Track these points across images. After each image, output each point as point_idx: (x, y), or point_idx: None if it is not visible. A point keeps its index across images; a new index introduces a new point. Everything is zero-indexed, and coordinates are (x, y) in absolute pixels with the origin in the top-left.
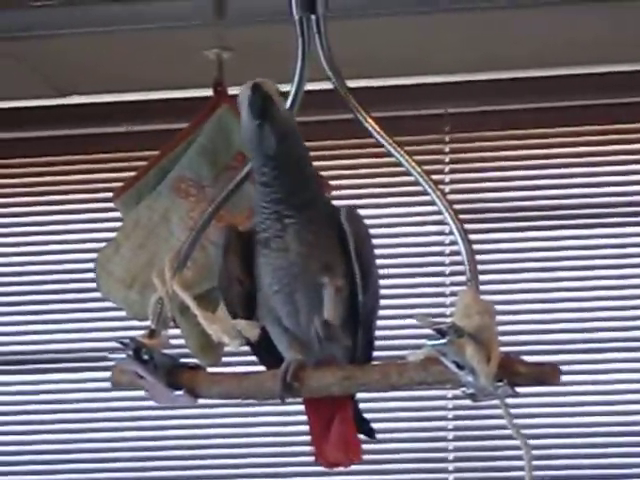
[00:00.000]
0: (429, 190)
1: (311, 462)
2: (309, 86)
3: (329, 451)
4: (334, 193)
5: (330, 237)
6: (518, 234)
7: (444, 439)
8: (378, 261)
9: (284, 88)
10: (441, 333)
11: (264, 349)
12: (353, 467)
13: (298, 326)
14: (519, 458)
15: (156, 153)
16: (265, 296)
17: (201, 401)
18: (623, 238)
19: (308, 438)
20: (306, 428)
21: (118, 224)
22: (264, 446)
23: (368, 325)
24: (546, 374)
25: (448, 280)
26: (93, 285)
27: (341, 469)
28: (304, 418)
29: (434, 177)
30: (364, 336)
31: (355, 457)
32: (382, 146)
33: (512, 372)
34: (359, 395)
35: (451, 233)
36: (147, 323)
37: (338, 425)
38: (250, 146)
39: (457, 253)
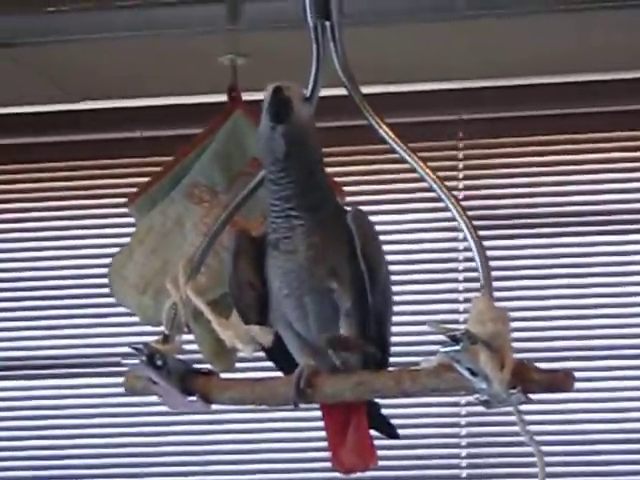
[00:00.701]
0: (443, 196)
1: (326, 468)
2: (324, 92)
3: (345, 456)
4: (348, 199)
5: (338, 240)
6: (532, 240)
7: (457, 445)
8: (392, 267)
9: None
10: (455, 340)
11: (279, 354)
12: (366, 473)
13: (308, 331)
14: (532, 465)
15: (170, 159)
16: (276, 300)
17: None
18: (633, 245)
19: (322, 444)
20: (320, 434)
21: (132, 230)
22: (278, 452)
23: (380, 328)
24: (560, 381)
25: (462, 286)
26: (107, 290)
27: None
28: (317, 424)
29: (448, 183)
30: (376, 340)
31: (371, 462)
32: (396, 152)
33: (526, 379)
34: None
35: (465, 239)
36: (161, 329)
37: (353, 431)
38: (261, 145)
39: (471, 259)
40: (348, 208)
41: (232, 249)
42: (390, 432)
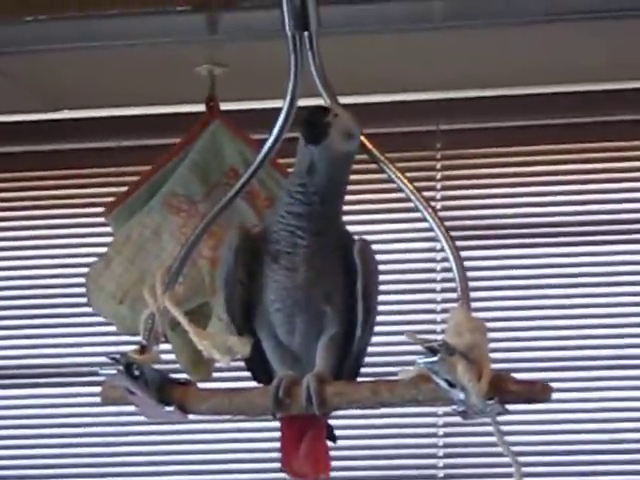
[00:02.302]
0: (420, 207)
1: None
2: (301, 102)
3: (297, 463)
4: None
5: (338, 266)
6: (509, 251)
7: (434, 456)
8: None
9: (276, 104)
10: (432, 351)
11: (257, 364)
12: None
13: (292, 342)
14: (509, 476)
15: (148, 168)
16: (265, 309)
17: (191, 416)
18: (613, 256)
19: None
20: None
21: (109, 239)
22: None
23: (359, 356)
24: (537, 392)
25: (439, 297)
26: (83, 300)
27: None
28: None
29: (425, 194)
30: (355, 361)
31: (323, 473)
32: (374, 162)
33: (503, 390)
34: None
35: (442, 250)
36: (138, 338)
37: (310, 440)
38: (300, 158)
39: (448, 270)
40: (355, 238)
41: (233, 245)
42: (330, 436)
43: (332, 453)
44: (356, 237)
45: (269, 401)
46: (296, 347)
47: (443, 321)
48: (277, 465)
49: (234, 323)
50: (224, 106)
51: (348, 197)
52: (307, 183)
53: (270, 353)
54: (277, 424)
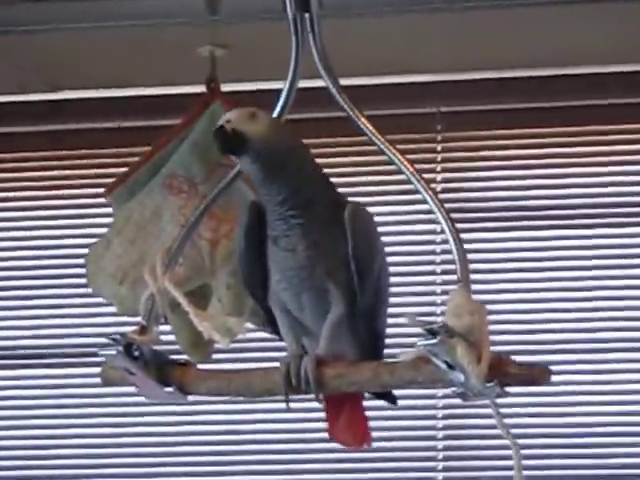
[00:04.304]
0: (420, 189)
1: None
2: (302, 83)
3: (339, 432)
4: None
5: (336, 237)
6: (509, 234)
7: (434, 438)
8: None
9: (277, 85)
10: (432, 333)
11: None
12: (343, 465)
13: (304, 318)
14: (509, 458)
15: (148, 149)
16: (275, 287)
17: (192, 397)
18: (612, 239)
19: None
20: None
21: (109, 220)
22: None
23: (372, 325)
24: (536, 375)
25: (439, 279)
26: (83, 280)
27: (329, 467)
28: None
29: (425, 176)
30: (368, 333)
31: (364, 442)
32: (374, 144)
33: (502, 372)
34: None
35: (442, 232)
36: (138, 319)
37: (348, 412)
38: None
39: (448, 252)
40: (348, 199)
41: (244, 222)
42: (388, 398)
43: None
44: (351, 202)
45: (278, 387)
46: (308, 322)
47: (443, 303)
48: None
49: (253, 298)
50: (225, 87)
51: (349, 180)
52: (269, 182)
53: (282, 325)
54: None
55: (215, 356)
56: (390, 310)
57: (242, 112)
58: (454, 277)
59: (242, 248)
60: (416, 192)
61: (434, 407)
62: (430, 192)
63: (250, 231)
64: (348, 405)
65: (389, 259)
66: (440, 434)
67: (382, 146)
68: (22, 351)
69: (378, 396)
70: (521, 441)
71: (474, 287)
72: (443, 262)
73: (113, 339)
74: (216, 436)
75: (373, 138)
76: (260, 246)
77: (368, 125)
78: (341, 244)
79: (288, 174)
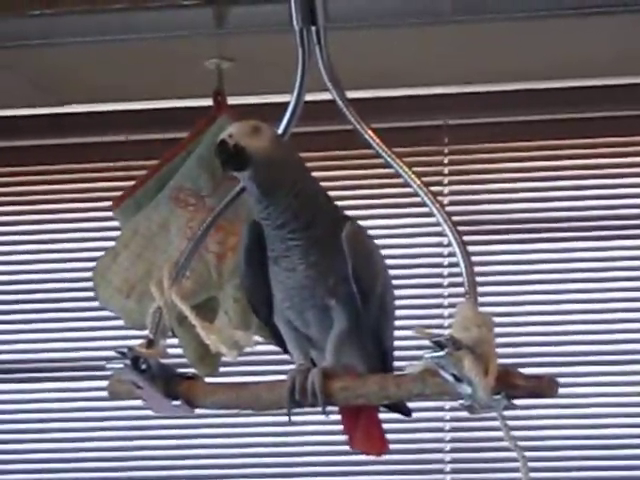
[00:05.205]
0: (428, 202)
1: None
2: (309, 96)
3: (358, 442)
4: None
5: (336, 256)
6: (516, 246)
7: (441, 450)
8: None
9: (284, 99)
10: (439, 345)
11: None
12: (351, 477)
13: (310, 332)
14: (516, 470)
15: (155, 163)
16: (279, 306)
17: (199, 411)
18: (620, 251)
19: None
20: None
21: (116, 233)
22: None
23: (379, 341)
24: (543, 387)
25: (446, 292)
26: (91, 294)
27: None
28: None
29: (433, 189)
30: (375, 347)
31: (382, 450)
32: (381, 157)
33: (510, 385)
34: None
35: (449, 245)
36: (145, 332)
37: (364, 422)
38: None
39: (455, 265)
40: (347, 214)
41: (244, 243)
42: (402, 410)
43: (339, 447)
44: (348, 221)
45: (284, 400)
46: (315, 337)
47: (450, 316)
48: None
49: (257, 316)
50: (231, 100)
51: (356, 193)
52: (267, 201)
53: (288, 340)
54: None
55: (222, 369)
56: (397, 323)
57: (244, 126)
58: (461, 290)
59: (244, 268)
60: (423, 205)
61: (442, 419)
62: (437, 205)
63: (251, 252)
64: (364, 415)
65: (396, 272)
66: (448, 446)
67: (389, 159)
68: (29, 365)
69: (392, 409)
70: (528, 453)
71: (481, 299)
72: (450, 275)
73: (120, 352)
74: (222, 449)
75: (380, 151)
76: (262, 264)
77: (375, 138)
78: (341, 263)
79: (286, 196)
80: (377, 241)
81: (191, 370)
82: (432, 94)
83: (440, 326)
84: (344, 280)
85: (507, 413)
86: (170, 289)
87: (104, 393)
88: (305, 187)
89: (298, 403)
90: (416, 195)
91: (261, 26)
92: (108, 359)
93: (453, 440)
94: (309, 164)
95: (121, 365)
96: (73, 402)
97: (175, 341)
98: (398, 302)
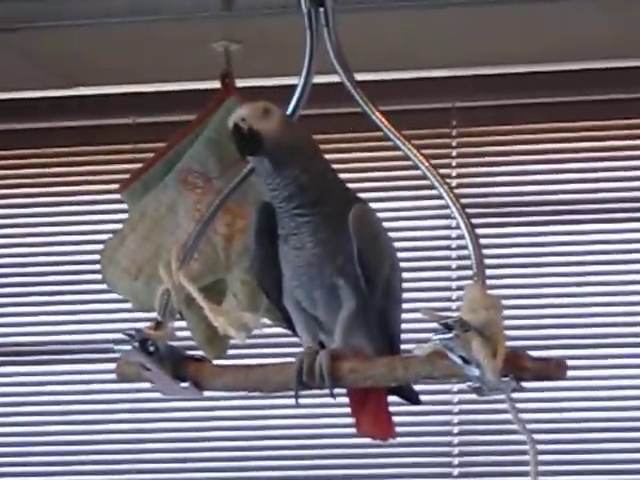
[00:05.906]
0: (436, 184)
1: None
2: (317, 79)
3: (365, 427)
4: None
5: (345, 236)
6: (525, 228)
7: (449, 433)
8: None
9: (292, 81)
10: (447, 327)
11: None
12: (357, 460)
13: (318, 313)
14: (524, 453)
15: (163, 145)
16: (288, 286)
17: (208, 393)
18: (630, 233)
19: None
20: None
21: (124, 216)
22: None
23: (383, 320)
24: (552, 369)
25: (454, 274)
26: (98, 276)
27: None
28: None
29: (441, 171)
30: (382, 330)
31: (388, 435)
32: (390, 140)
33: (518, 367)
34: None
35: (458, 227)
36: (153, 314)
37: (372, 406)
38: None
39: (464, 247)
40: (358, 196)
41: (255, 223)
42: (411, 398)
43: (346, 430)
44: (358, 203)
45: (291, 381)
46: (323, 318)
47: (458, 298)
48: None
49: (267, 297)
50: (240, 82)
51: (364, 175)
52: (277, 178)
53: (298, 324)
54: None
55: (230, 352)
56: (405, 305)
57: (255, 108)
58: (469, 272)
59: (254, 249)
60: (432, 187)
61: (450, 402)
62: (446, 187)
63: (261, 232)
64: (372, 400)
65: (405, 254)
66: (456, 429)
67: (397, 141)
68: (37, 347)
69: (402, 396)
70: (537, 436)
71: (489, 282)
72: (458, 257)
73: (128, 334)
74: (235, 432)
75: (388, 133)
76: (272, 246)
77: (383, 120)
78: (349, 243)
79: (296, 171)
80: (385, 223)
81: (199, 352)
82: (440, 76)
83: (448, 308)
84: (352, 260)
85: (515, 395)
86: (178, 271)
87: (112, 375)
88: (315, 164)
89: (306, 385)
90: (424, 177)
91: (269, 8)
92: (116, 341)
93: (461, 422)
94: None
95: (129, 347)
96: (80, 385)
97: (183, 323)
98: (406, 285)
